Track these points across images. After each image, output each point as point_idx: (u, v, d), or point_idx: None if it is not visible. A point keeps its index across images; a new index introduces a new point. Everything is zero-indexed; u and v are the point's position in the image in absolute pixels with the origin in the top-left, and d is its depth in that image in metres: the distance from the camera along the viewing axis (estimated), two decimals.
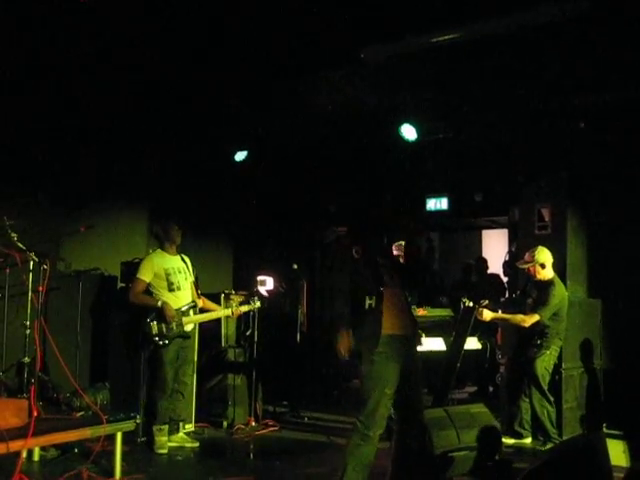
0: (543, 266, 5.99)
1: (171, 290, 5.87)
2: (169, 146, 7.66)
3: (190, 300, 5.96)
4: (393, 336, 4.02)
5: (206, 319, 6.13)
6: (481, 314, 5.86)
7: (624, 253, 6.94)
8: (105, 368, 6.41)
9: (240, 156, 8.20)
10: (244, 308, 6.30)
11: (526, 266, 6.07)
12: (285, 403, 7.79)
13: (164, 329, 5.70)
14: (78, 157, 6.87)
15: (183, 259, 6.10)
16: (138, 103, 6.73)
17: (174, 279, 5.89)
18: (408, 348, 4.12)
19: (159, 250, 6.03)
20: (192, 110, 7.14)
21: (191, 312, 5.92)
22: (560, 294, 5.97)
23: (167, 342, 5.70)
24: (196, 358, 6.17)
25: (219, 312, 6.31)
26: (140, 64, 6.09)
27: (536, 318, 5.85)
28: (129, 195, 7.67)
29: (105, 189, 7.25)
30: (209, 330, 6.65)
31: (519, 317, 5.91)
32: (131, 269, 6.48)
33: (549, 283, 5.99)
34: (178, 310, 5.80)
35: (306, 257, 9.22)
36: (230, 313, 6.22)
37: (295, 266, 7.67)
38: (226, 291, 7.24)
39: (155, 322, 5.69)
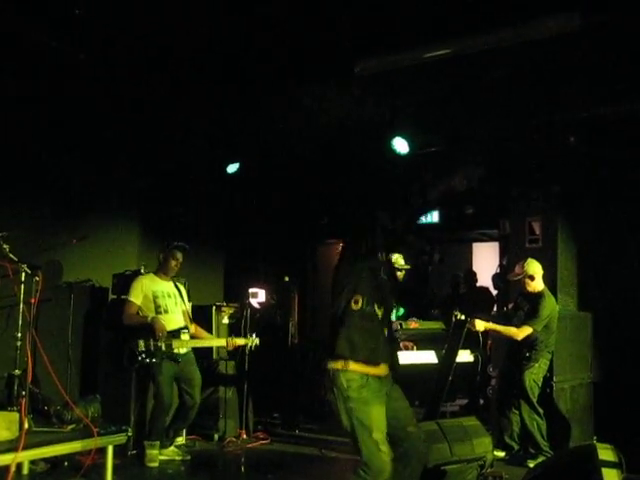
0: (532, 278, 6.02)
1: (158, 313, 5.89)
2: (161, 158, 7.65)
3: (181, 324, 5.96)
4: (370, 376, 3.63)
5: (198, 345, 6.10)
6: (474, 324, 5.88)
7: (614, 266, 6.99)
8: (96, 380, 6.38)
9: (232, 168, 8.20)
10: (240, 341, 6.19)
11: (517, 278, 6.10)
12: (276, 415, 7.77)
13: (151, 346, 5.67)
14: (70, 169, 6.85)
15: (176, 286, 6.16)
16: (130, 114, 6.72)
17: (161, 302, 5.95)
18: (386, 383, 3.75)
19: (151, 273, 6.13)
20: (184, 121, 7.15)
21: (182, 335, 5.89)
22: (550, 306, 6.00)
23: (154, 360, 5.67)
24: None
25: (212, 341, 6.34)
26: (130, 75, 6.09)
27: (528, 331, 5.87)
28: (121, 207, 7.64)
29: (97, 201, 7.23)
30: None
31: (512, 330, 5.93)
32: (122, 281, 6.48)
33: (539, 295, 6.02)
34: (169, 331, 5.78)
35: (298, 269, 9.21)
36: (224, 343, 6.15)
37: (287, 278, 7.68)
38: (217, 303, 7.24)
39: (143, 340, 5.67)
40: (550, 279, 6.38)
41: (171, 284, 6.11)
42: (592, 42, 5.24)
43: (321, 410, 8.40)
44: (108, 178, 7.27)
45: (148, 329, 5.69)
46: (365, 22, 5.00)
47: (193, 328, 6.12)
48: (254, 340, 6.20)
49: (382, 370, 3.68)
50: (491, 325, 5.98)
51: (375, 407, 3.58)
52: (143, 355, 5.64)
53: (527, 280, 6.02)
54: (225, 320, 7.13)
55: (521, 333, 5.88)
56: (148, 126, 7.03)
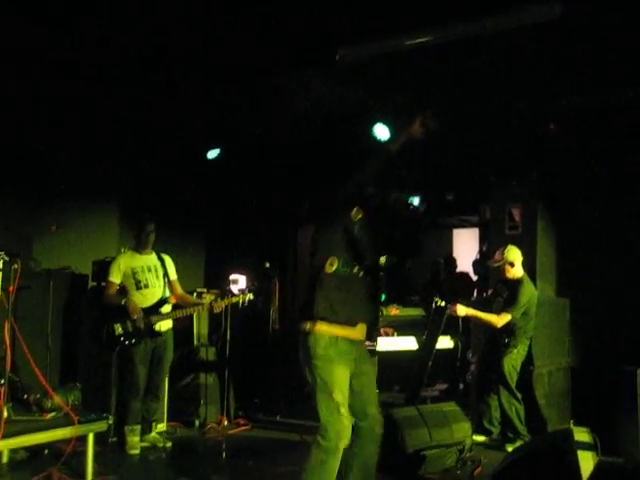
0: (512, 264, 6.07)
1: (139, 288, 5.87)
2: (140, 143, 7.59)
3: (163, 296, 5.93)
4: (340, 337, 3.56)
5: (178, 315, 5.97)
6: (455, 309, 5.92)
7: (592, 253, 7.06)
8: (76, 368, 6.35)
9: (212, 154, 8.15)
10: (225, 302, 6.07)
11: (497, 265, 6.15)
12: (257, 401, 7.79)
13: (130, 327, 5.67)
14: (48, 156, 6.78)
15: (160, 257, 6.08)
16: (108, 101, 6.65)
17: (141, 277, 5.90)
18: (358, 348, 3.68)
19: (130, 250, 6.06)
20: (164, 107, 7.08)
21: (163, 310, 5.88)
22: (529, 292, 6.06)
23: (134, 341, 5.67)
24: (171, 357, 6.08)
25: (196, 308, 6.07)
26: (109, 65, 6.03)
27: (508, 318, 5.93)
28: (100, 193, 7.59)
29: (76, 188, 7.17)
30: (181, 328, 6.61)
31: (492, 317, 5.98)
32: (102, 268, 6.44)
33: (518, 282, 6.07)
34: (146, 308, 5.76)
35: (279, 255, 9.20)
36: (208, 307, 6.02)
37: (267, 264, 7.67)
38: (198, 289, 7.23)
39: (119, 323, 5.67)
40: (529, 265, 6.44)
41: (152, 257, 6.03)
42: (574, 31, 5.25)
43: (302, 395, 8.47)
44: (87, 165, 7.21)
45: (120, 309, 5.69)
46: (346, 9, 4.97)
47: (177, 298, 6.04)
48: (246, 296, 6.11)
49: (356, 332, 3.61)
50: (472, 311, 6.02)
51: (339, 367, 3.50)
52: (122, 338, 5.64)
53: (507, 267, 6.07)
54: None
55: (501, 320, 5.93)
56: (126, 114, 6.96)
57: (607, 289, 6.98)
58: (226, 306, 6.16)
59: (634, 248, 6.98)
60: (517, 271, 6.10)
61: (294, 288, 9.48)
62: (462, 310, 5.94)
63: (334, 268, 3.54)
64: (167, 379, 6.27)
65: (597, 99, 6.38)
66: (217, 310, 6.03)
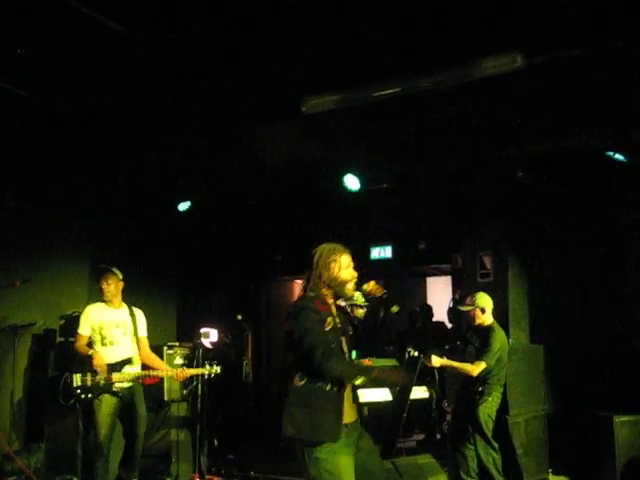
0: (483, 311, 6.06)
1: (103, 344, 5.71)
2: (110, 194, 7.56)
3: (128, 356, 5.74)
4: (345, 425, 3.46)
5: (139, 377, 5.74)
6: (429, 360, 5.87)
7: (564, 300, 7.10)
8: (42, 428, 6.17)
9: (183, 206, 8.14)
10: (192, 371, 5.98)
11: (467, 309, 6.13)
12: (231, 457, 7.62)
13: (89, 381, 5.49)
14: (16, 209, 6.72)
15: (132, 312, 5.90)
16: (78, 155, 6.64)
17: (107, 333, 5.72)
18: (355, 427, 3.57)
19: (100, 302, 5.88)
20: (134, 160, 7.08)
21: (126, 368, 5.68)
22: (501, 339, 6.03)
23: (90, 396, 5.47)
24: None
25: (159, 372, 5.89)
26: (82, 114, 6.03)
27: (483, 366, 5.88)
28: (69, 246, 7.50)
29: (45, 241, 7.09)
30: (151, 383, 6.48)
31: (467, 366, 5.93)
32: (71, 322, 6.33)
33: (489, 329, 6.05)
34: (110, 365, 5.59)
35: (251, 308, 9.15)
36: (173, 374, 5.86)
37: (239, 317, 7.60)
38: (169, 343, 7.11)
39: (80, 374, 5.50)
40: (502, 313, 6.44)
41: (122, 312, 5.85)
42: (537, 79, 5.37)
43: (276, 450, 8.32)
44: (56, 218, 7.14)
45: (85, 361, 5.54)
46: (313, 61, 5.04)
47: (143, 357, 5.83)
48: (212, 369, 5.96)
49: (349, 416, 3.51)
50: (446, 361, 5.98)
51: (344, 457, 3.40)
52: (78, 391, 5.46)
53: (477, 312, 6.06)
54: (178, 361, 6.99)
55: (476, 369, 5.88)
56: (97, 165, 6.94)
57: (580, 335, 7.00)
58: (197, 357, 6.05)
59: (605, 294, 7.03)
60: (487, 318, 6.09)
61: (268, 340, 9.41)
62: (437, 361, 5.89)
63: (303, 382, 3.46)
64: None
65: (563, 145, 6.48)
66: (180, 379, 5.92)
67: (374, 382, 6.20)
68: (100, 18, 4.42)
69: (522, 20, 4.59)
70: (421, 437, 8.55)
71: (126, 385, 5.67)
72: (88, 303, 6.56)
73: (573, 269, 7.17)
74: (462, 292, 7.22)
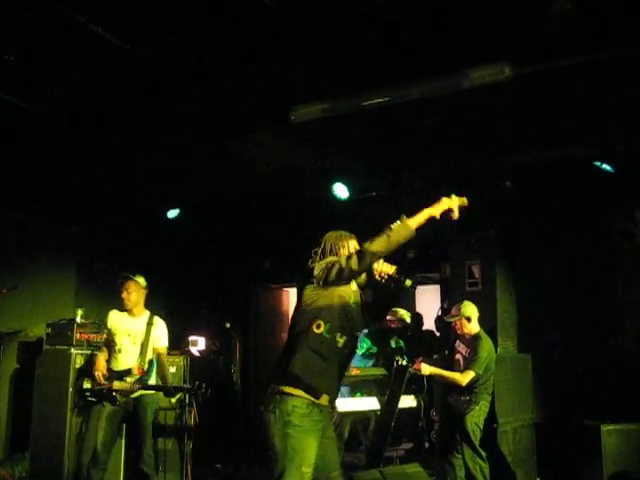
0: (469, 320, 6.07)
1: (113, 351, 5.65)
2: (98, 202, 7.53)
3: (130, 366, 5.62)
4: (315, 406, 3.48)
5: (136, 389, 5.55)
6: (420, 368, 5.86)
7: (552, 308, 7.12)
8: (27, 436, 6.11)
9: (172, 213, 8.12)
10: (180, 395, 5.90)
11: (453, 319, 6.14)
12: (219, 467, 7.58)
13: (95, 386, 5.49)
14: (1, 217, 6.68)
15: (151, 322, 5.77)
16: (65, 161, 6.61)
17: (118, 340, 5.65)
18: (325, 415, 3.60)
19: (119, 309, 5.82)
20: (123, 165, 7.06)
21: (127, 378, 5.54)
22: (488, 347, 6.04)
23: (95, 400, 5.44)
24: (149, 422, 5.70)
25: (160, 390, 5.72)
26: (70, 116, 6.00)
27: (471, 374, 5.88)
28: (56, 252, 7.45)
29: (31, 248, 7.04)
30: None
31: (456, 375, 5.93)
32: (57, 330, 6.29)
33: (475, 337, 6.05)
34: (116, 372, 5.54)
35: (239, 315, 9.11)
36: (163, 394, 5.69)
37: (228, 325, 7.56)
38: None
39: (90, 378, 5.54)
40: (490, 321, 6.45)
41: (139, 321, 5.74)
42: (524, 90, 5.40)
43: (265, 459, 8.27)
44: (42, 225, 7.10)
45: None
46: (302, 70, 5.05)
47: (137, 371, 5.60)
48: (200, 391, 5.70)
49: (324, 401, 3.53)
50: (436, 370, 5.98)
51: (312, 439, 3.43)
52: (87, 394, 5.48)
53: (464, 322, 6.06)
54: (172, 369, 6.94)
55: (465, 378, 5.88)
56: (83, 172, 6.92)
57: (568, 344, 7.02)
58: (184, 365, 6.00)
59: (594, 303, 7.06)
60: (474, 327, 6.09)
61: (256, 349, 9.38)
62: (426, 369, 5.88)
63: (320, 331, 3.49)
64: (123, 445, 6.04)
65: (550, 154, 6.52)
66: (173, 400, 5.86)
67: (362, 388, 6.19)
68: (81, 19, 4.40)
69: (509, 31, 4.62)
70: (409, 446, 8.53)
71: (134, 395, 5.55)
72: (75, 310, 6.55)
73: (562, 278, 7.20)
74: (450, 301, 7.23)
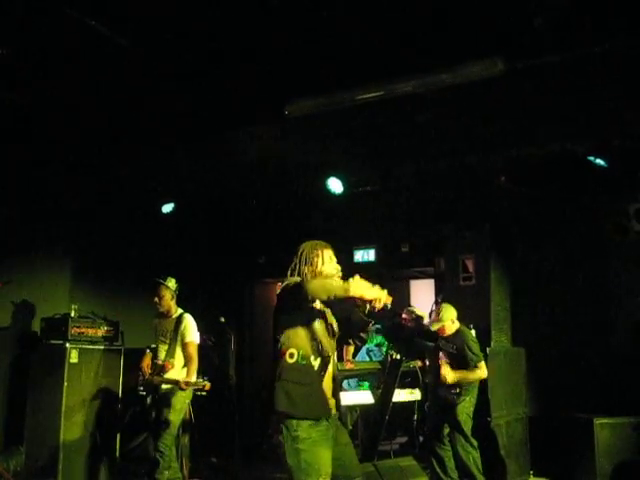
0: (452, 321, 6.07)
1: (151, 350, 6.04)
2: (93, 196, 7.52)
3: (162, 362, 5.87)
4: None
5: (160, 382, 5.76)
6: (445, 378, 5.83)
7: (545, 303, 7.15)
8: (22, 430, 6.12)
9: (167, 208, 8.11)
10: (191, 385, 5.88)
11: (437, 327, 6.08)
12: (214, 460, 7.60)
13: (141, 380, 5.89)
14: None
15: (180, 320, 5.94)
16: (60, 155, 6.60)
17: (156, 339, 6.01)
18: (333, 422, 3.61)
19: None
20: (117, 160, 7.06)
21: (162, 374, 5.77)
22: (473, 337, 6.07)
23: (145, 393, 5.84)
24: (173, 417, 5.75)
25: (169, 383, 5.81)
26: (66, 112, 6.00)
27: (484, 365, 5.91)
28: (51, 247, 7.43)
29: (25, 243, 7.02)
30: (132, 387, 6.47)
31: (477, 372, 5.91)
32: (52, 325, 6.28)
33: (459, 333, 6.04)
34: (157, 367, 5.81)
35: (234, 310, 9.12)
36: (181, 384, 5.67)
37: (222, 319, 7.57)
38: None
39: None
40: (484, 316, 6.47)
41: (171, 321, 5.98)
42: (517, 85, 5.41)
43: (260, 453, 8.31)
44: (37, 219, 7.08)
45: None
46: (296, 64, 5.06)
47: (169, 367, 5.80)
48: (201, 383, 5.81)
49: (327, 411, 3.54)
50: (459, 374, 5.94)
51: (323, 450, 3.44)
52: (140, 388, 5.85)
53: (448, 325, 6.04)
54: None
55: (483, 370, 5.89)
56: (79, 166, 6.91)
57: (562, 338, 7.06)
58: None
59: (586, 296, 7.09)
60: (455, 325, 6.09)
61: (251, 343, 9.39)
62: (450, 375, 5.85)
63: (294, 360, 3.51)
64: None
65: (544, 150, 6.53)
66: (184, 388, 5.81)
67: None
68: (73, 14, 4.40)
69: (503, 25, 4.63)
70: (404, 440, 8.56)
71: (163, 388, 5.77)
72: (70, 305, 6.55)
73: (555, 272, 7.23)
74: (445, 295, 7.25)
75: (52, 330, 6.27)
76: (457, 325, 6.08)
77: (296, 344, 3.52)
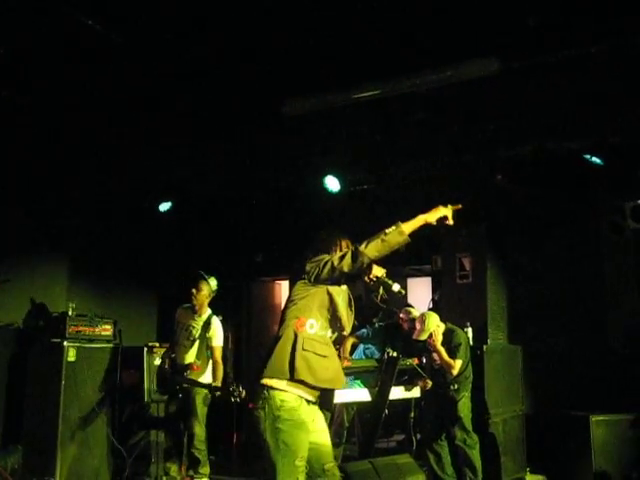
0: (439, 326, 6.08)
1: (175, 344, 6.05)
2: (90, 194, 7.52)
3: (187, 361, 5.91)
4: (304, 399, 3.50)
5: (184, 383, 5.82)
6: (450, 365, 5.89)
7: (541, 300, 7.17)
8: (20, 428, 6.13)
9: (164, 206, 8.12)
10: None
11: (425, 337, 6.08)
12: (211, 458, 7.60)
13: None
14: None
15: (208, 321, 6.05)
16: (57, 153, 6.61)
17: (179, 333, 6.03)
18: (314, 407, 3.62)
19: (187, 304, 6.15)
20: (115, 159, 7.07)
21: (187, 373, 5.82)
22: (463, 335, 6.09)
23: (163, 391, 5.95)
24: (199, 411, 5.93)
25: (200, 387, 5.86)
26: (63, 111, 6.01)
27: (459, 363, 5.93)
28: (48, 245, 7.44)
29: (23, 241, 7.03)
30: (131, 384, 6.49)
31: (451, 361, 5.95)
32: (50, 323, 6.30)
33: (448, 331, 6.07)
34: (176, 365, 5.86)
35: (231, 308, 9.12)
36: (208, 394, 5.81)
37: (220, 317, 7.57)
38: (150, 344, 7.08)
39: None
40: (480, 313, 6.49)
41: (200, 319, 6.05)
42: (513, 84, 5.43)
43: (256, 452, 8.30)
44: (35, 218, 7.09)
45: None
46: (294, 62, 5.07)
47: (195, 367, 5.88)
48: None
49: (314, 394, 3.56)
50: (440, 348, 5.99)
51: (302, 433, 3.43)
52: (158, 386, 6.02)
53: (436, 330, 6.05)
54: (157, 361, 6.97)
55: (456, 368, 5.93)
56: (77, 165, 6.92)
57: (558, 336, 7.07)
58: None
59: (582, 294, 7.11)
60: (441, 327, 6.11)
61: (248, 341, 9.40)
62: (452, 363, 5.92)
63: (314, 331, 3.51)
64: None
65: (540, 149, 6.55)
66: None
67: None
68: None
69: (499, 25, 4.65)
70: (401, 438, 8.57)
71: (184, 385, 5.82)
72: (67, 303, 6.55)
73: (551, 270, 7.25)
74: (442, 293, 7.27)
75: (50, 328, 6.28)
76: (443, 326, 6.10)
77: (315, 316, 3.53)
